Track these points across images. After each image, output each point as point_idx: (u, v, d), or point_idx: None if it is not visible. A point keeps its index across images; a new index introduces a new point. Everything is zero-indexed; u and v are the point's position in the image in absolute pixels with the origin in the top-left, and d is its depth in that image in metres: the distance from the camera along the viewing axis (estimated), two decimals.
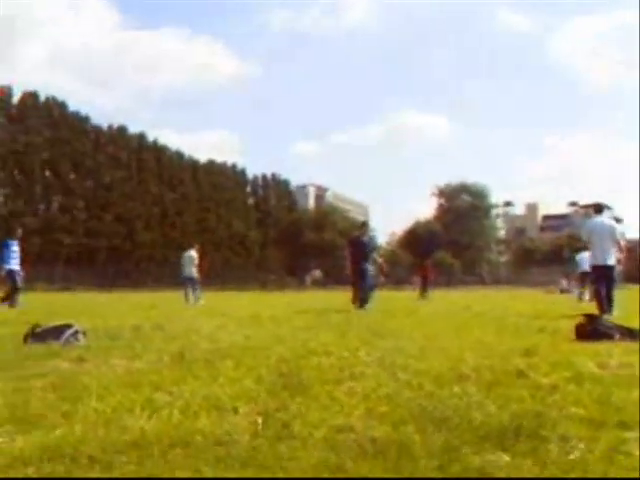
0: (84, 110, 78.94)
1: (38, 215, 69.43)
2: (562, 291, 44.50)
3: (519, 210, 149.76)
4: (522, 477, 2.63)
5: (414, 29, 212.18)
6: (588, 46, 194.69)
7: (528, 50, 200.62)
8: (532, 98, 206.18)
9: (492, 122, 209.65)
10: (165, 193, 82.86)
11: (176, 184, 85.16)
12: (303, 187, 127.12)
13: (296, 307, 18.68)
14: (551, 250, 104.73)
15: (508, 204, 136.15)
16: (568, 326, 8.89)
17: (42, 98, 73.14)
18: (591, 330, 7.83)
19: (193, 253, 25.70)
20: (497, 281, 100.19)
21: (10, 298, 17.59)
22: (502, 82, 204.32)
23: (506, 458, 2.79)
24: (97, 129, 78.34)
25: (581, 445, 2.96)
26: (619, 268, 15.40)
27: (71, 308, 18.34)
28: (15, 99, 71.25)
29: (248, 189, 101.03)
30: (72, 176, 73.66)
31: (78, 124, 75.65)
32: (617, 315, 12.06)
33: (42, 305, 19.16)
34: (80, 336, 7.75)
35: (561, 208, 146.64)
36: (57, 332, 7.63)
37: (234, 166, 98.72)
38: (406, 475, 2.64)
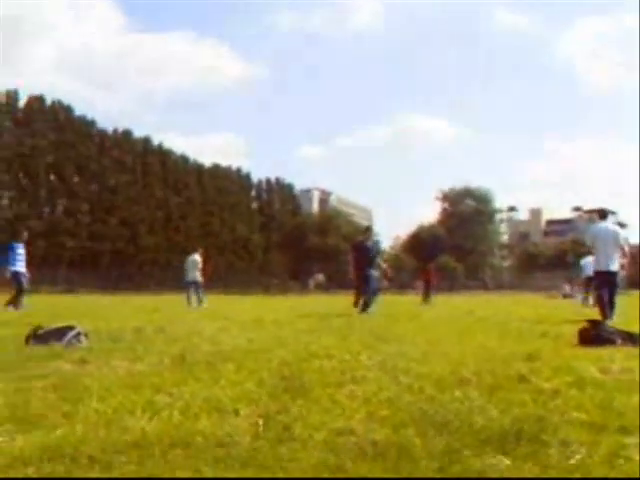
0: (90, 113, 79.51)
1: (43, 218, 69.56)
2: (565, 296, 44.51)
3: (523, 215, 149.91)
4: (523, 479, 2.63)
5: (419, 33, 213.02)
6: (589, 48, 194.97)
7: (532, 53, 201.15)
8: (537, 102, 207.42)
9: (497, 126, 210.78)
10: (170, 197, 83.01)
11: (181, 188, 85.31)
12: (307, 191, 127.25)
13: (298, 311, 18.67)
14: (555, 255, 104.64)
15: (512, 209, 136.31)
16: (571, 331, 8.88)
17: (48, 102, 73.37)
18: (594, 335, 7.82)
19: (197, 257, 25.71)
20: (500, 286, 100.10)
21: (15, 300, 17.62)
22: (508, 85, 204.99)
23: (507, 462, 2.79)
24: (102, 133, 78.53)
25: (582, 450, 2.95)
26: (622, 273, 15.37)
27: (74, 310, 18.35)
28: (21, 103, 71.49)
29: (252, 193, 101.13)
30: (77, 179, 73.84)
31: (84, 128, 75.84)
32: (618, 320, 12.03)
33: (45, 307, 19.17)
34: (82, 338, 7.76)
35: (565, 213, 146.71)
36: (59, 334, 7.64)
37: (239, 170, 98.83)
38: (405, 476, 2.64)
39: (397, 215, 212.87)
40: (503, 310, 20.37)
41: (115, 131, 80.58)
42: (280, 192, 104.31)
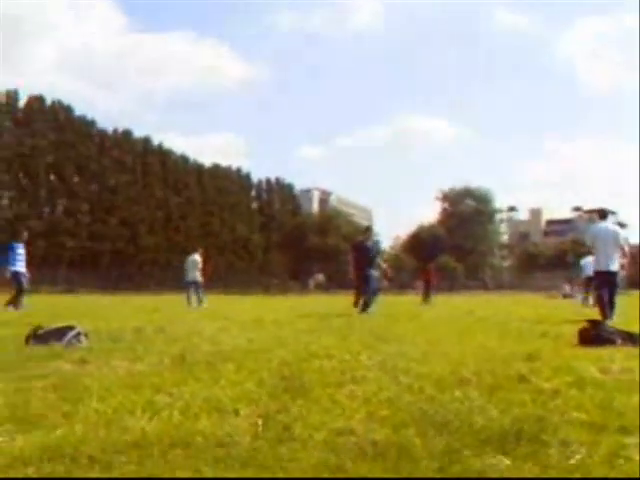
0: (90, 112, 79.46)
1: (43, 218, 69.58)
2: (565, 296, 44.51)
3: (523, 215, 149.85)
4: (522, 479, 2.63)
5: (419, 33, 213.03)
6: (589, 48, 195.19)
7: (532, 53, 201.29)
8: (537, 102, 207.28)
9: (497, 126, 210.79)
10: (170, 197, 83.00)
11: (181, 188, 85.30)
12: (307, 191, 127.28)
13: (298, 311, 18.67)
14: (555, 255, 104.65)
15: (512, 209, 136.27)
16: (571, 331, 8.88)
17: (48, 102, 73.39)
18: (594, 335, 7.82)
19: (197, 257, 25.70)
20: (500, 286, 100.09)
21: (15, 300, 17.62)
22: (508, 85, 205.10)
23: (507, 462, 2.79)
24: (102, 133, 78.53)
25: (582, 449, 2.95)
26: (622, 273, 15.38)
27: (73, 310, 18.35)
28: (21, 103, 71.49)
29: (252, 193, 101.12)
30: (77, 179, 73.84)
31: (84, 128, 75.86)
32: (618, 321, 12.03)
33: (45, 307, 19.17)
34: (82, 338, 7.76)
35: (565, 213, 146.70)
36: (59, 334, 7.64)
37: (239, 170, 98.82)
38: (405, 476, 2.64)
39: (397, 215, 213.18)
40: (503, 310, 20.37)
41: (115, 131, 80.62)
42: (280, 192, 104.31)
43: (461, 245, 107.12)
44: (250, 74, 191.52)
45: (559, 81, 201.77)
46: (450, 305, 27.08)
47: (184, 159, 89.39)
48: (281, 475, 2.67)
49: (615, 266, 13.92)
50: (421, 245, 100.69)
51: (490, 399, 4.18)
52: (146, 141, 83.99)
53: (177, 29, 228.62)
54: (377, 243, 18.55)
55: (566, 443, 3.06)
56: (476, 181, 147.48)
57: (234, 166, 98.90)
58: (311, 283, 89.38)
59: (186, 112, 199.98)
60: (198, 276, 25.05)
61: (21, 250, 18.48)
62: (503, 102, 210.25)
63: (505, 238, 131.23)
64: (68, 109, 75.04)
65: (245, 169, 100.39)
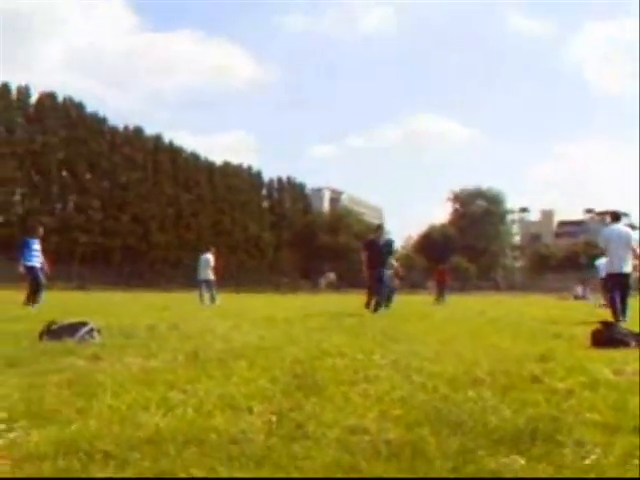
0: (101, 111, 79.49)
1: (55, 214, 69.79)
2: (576, 297, 44.36)
3: (534, 216, 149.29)
4: (537, 479, 2.63)
5: (431, 35, 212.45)
6: (600, 51, 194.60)
7: (543, 55, 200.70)
8: (549, 104, 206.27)
9: (509, 127, 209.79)
10: (180, 194, 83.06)
11: (192, 186, 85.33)
12: (318, 190, 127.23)
13: (309, 309, 18.67)
14: (566, 256, 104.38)
15: (524, 210, 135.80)
16: (584, 333, 8.86)
17: (60, 99, 73.59)
18: (607, 337, 7.79)
19: (210, 256, 25.69)
20: (512, 287, 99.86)
21: (33, 298, 17.65)
22: (520, 88, 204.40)
23: (521, 461, 2.78)
24: (113, 130, 78.65)
25: (597, 450, 2.95)
26: (635, 275, 15.33)
27: (85, 307, 18.42)
28: (32, 99, 71.70)
29: (263, 192, 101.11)
30: (88, 176, 74.01)
31: (95, 125, 76.02)
32: (630, 322, 11.98)
33: (57, 303, 19.21)
34: (95, 334, 7.78)
35: (577, 214, 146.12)
36: (72, 329, 7.65)
37: (250, 168, 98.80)
38: (420, 476, 2.64)
39: (408, 215, 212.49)
40: (515, 311, 20.34)
41: (126, 128, 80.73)
42: (291, 191, 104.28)
43: (473, 246, 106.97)
44: (261, 74, 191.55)
45: (570, 83, 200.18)
46: (462, 305, 27.04)
47: (195, 157, 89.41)
48: (295, 474, 2.67)
49: (628, 268, 13.91)
50: (432, 245, 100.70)
51: (503, 399, 4.17)
52: (157, 139, 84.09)
53: (187, 28, 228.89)
54: (390, 241, 18.41)
55: (581, 443, 3.06)
56: (488, 182, 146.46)
57: (245, 164, 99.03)
58: (322, 282, 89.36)
59: (197, 111, 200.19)
60: (210, 274, 25.07)
61: (37, 246, 18.54)
62: (515, 104, 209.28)
63: (517, 239, 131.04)
64: (79, 106, 75.17)
65: (256, 168, 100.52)
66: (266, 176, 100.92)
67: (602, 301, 25.70)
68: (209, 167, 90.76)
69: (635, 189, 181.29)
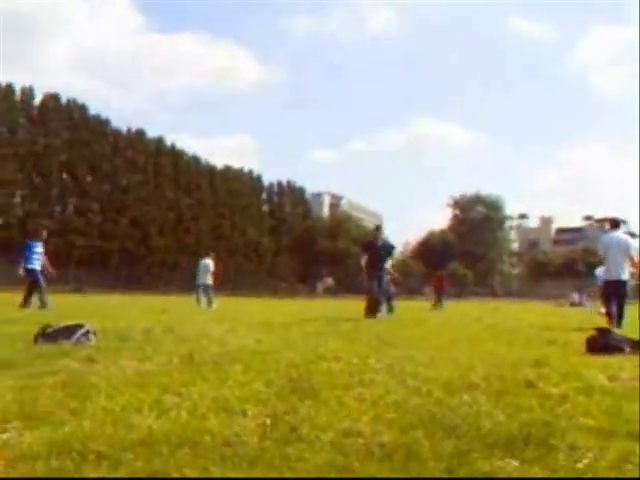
0: (105, 112, 79.63)
1: (54, 217, 69.76)
2: (572, 304, 44.40)
3: (533, 223, 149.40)
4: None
5: (434, 39, 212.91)
6: (603, 56, 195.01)
7: (546, 60, 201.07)
8: (550, 109, 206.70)
9: (509, 133, 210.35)
10: (181, 198, 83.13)
11: (192, 189, 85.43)
12: (318, 195, 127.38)
13: (306, 314, 18.66)
14: (564, 263, 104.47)
15: (523, 217, 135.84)
16: (579, 339, 8.86)
17: (63, 100, 73.62)
18: (602, 343, 7.80)
19: (209, 261, 25.74)
20: (509, 293, 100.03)
21: (42, 301, 17.65)
22: (521, 93, 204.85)
23: (515, 464, 2.79)
24: (116, 132, 78.71)
25: (590, 454, 2.95)
26: (632, 283, 15.36)
27: (82, 310, 18.38)
28: (36, 101, 71.73)
29: (263, 196, 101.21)
30: (89, 179, 74.04)
31: (98, 127, 76.06)
32: (626, 329, 11.99)
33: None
34: (91, 336, 7.77)
35: (576, 222, 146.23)
36: (68, 332, 7.64)
37: (250, 172, 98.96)
38: (414, 477, 2.64)
39: (408, 221, 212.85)
40: (512, 317, 20.35)
41: (129, 130, 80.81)
42: (291, 195, 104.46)
43: (471, 252, 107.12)
44: (265, 76, 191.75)
45: (572, 88, 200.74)
46: (459, 311, 27.04)
47: (196, 160, 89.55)
48: (289, 475, 2.67)
49: (625, 275, 13.95)
50: (431, 251, 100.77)
51: (498, 404, 4.18)
52: (159, 141, 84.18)
53: (193, 29, 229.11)
54: (387, 242, 18.37)
55: (574, 447, 3.06)
56: (488, 188, 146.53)
57: (246, 168, 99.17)
58: (320, 287, 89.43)
59: (201, 113, 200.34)
60: (209, 279, 25.11)
61: (39, 249, 18.59)
62: (516, 109, 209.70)
63: (515, 246, 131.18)
64: (82, 108, 75.28)
65: (257, 171, 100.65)
66: (266, 180, 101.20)
67: (601, 309, 25.76)
68: (210, 171, 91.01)
69: (635, 195, 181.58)
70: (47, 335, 7.57)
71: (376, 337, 9.65)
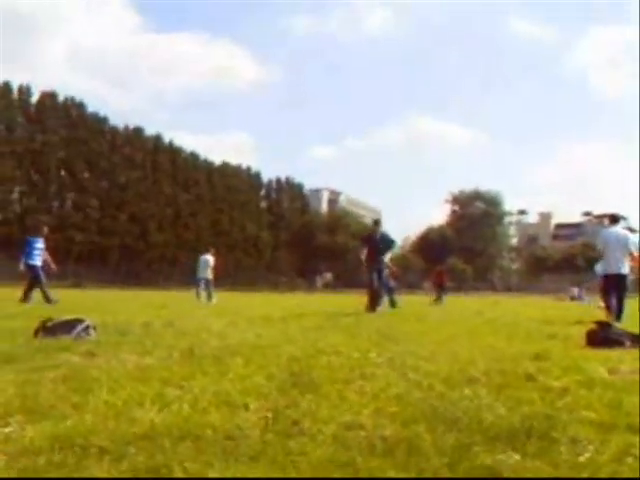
0: (104, 110, 79.71)
1: (52, 213, 69.75)
2: (572, 298, 44.40)
3: (532, 218, 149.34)
4: (532, 478, 2.63)
5: (433, 37, 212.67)
6: (602, 55, 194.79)
7: (545, 58, 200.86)
8: (549, 106, 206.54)
9: (508, 130, 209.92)
10: (179, 194, 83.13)
11: (191, 185, 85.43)
12: (317, 191, 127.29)
13: (306, 309, 18.67)
14: (563, 258, 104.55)
15: (522, 212, 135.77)
16: (579, 333, 8.86)
17: (61, 98, 73.60)
18: (602, 337, 7.80)
19: (209, 257, 25.77)
20: (508, 288, 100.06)
21: (46, 296, 17.66)
22: (520, 90, 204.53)
23: (516, 457, 2.79)
24: (114, 130, 78.68)
25: (591, 447, 2.96)
26: (631, 277, 15.37)
27: (82, 304, 18.39)
28: (34, 99, 71.70)
29: (262, 192, 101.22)
30: (87, 175, 74.04)
31: (96, 125, 76.05)
32: (626, 323, 12.00)
33: None
34: (91, 331, 7.77)
35: (575, 217, 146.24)
36: (68, 326, 7.65)
37: (249, 169, 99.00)
38: (415, 472, 2.64)
39: (407, 217, 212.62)
40: (511, 311, 20.34)
41: (126, 128, 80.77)
42: (290, 191, 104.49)
43: (470, 247, 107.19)
44: (263, 75, 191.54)
45: (570, 86, 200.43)
46: (459, 306, 27.03)
47: (194, 157, 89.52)
48: (290, 468, 2.67)
49: (625, 269, 13.96)
50: (430, 246, 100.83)
51: (499, 397, 4.18)
52: (157, 139, 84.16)
53: (190, 29, 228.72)
54: (386, 235, 18.32)
55: (575, 440, 3.07)
56: (487, 184, 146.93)
57: (244, 165, 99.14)
58: (319, 281, 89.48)
59: (199, 111, 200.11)
60: (209, 274, 25.15)
61: (40, 245, 18.61)
62: (516, 108, 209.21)
63: (514, 241, 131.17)
64: (80, 105, 75.25)
65: (255, 168, 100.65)
66: (265, 176, 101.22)
67: (600, 303, 25.78)
68: (208, 167, 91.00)
69: (635, 191, 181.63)
70: (47, 329, 7.57)
71: (376, 331, 9.65)
